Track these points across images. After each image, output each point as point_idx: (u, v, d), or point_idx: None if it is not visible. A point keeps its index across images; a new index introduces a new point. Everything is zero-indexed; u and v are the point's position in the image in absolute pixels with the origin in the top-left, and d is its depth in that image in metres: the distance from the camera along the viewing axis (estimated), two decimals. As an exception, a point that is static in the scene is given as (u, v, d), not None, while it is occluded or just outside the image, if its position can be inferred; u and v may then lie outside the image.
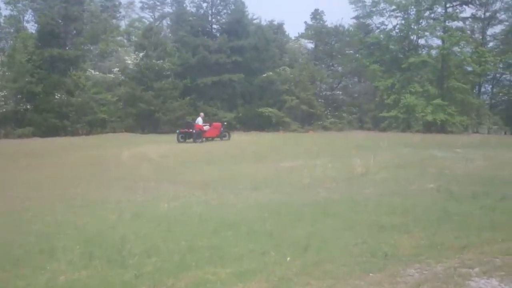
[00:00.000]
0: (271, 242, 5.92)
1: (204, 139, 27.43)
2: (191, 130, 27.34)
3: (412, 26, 45.41)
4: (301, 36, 53.14)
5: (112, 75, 41.11)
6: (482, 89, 51.85)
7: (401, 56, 46.20)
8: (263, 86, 43.67)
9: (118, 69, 41.13)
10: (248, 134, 35.91)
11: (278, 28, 48.93)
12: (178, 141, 26.98)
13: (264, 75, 43.03)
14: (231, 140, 28.19)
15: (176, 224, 7.13)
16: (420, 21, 45.96)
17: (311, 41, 52.50)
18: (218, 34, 45.03)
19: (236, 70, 42.35)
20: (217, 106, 41.49)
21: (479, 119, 48.07)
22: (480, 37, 49.46)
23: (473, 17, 48.34)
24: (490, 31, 50.64)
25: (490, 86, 51.82)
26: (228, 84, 42.19)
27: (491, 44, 50.72)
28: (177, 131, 28.11)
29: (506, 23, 48.46)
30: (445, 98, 42.52)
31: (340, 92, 49.15)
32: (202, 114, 29.55)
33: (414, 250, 5.51)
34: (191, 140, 26.75)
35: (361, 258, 5.29)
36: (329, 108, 46.91)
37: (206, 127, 28.05)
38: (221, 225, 6.90)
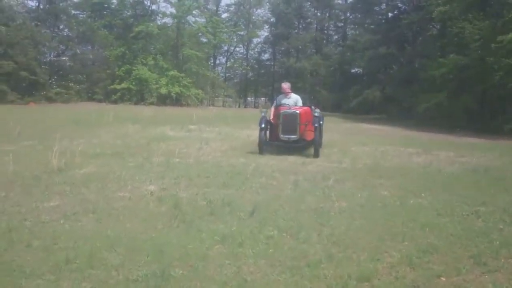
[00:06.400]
0: None
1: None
2: None
3: (145, -10, 42.44)
4: (19, -9, 45.27)
5: None
6: (217, 62, 52.17)
7: (136, 22, 42.89)
8: (-29, 48, 35.60)
9: None
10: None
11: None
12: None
13: (-28, 34, 35.09)
14: None
15: None
16: (153, -15, 43.23)
17: (32, -3, 45.27)
18: None
19: None
20: None
21: (214, 92, 48.07)
22: (215, 8, 49.25)
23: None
24: (223, 2, 51.04)
25: (225, 59, 52.47)
26: None
27: (224, 15, 51.12)
28: None
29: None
30: (180, 70, 40.92)
31: (67, 58, 43.43)
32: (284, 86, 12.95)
33: None
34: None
35: None
36: (55, 77, 41.09)
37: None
38: None
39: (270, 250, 4.81)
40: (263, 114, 12.04)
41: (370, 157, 11.71)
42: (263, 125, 11.56)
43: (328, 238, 5.16)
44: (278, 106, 12.15)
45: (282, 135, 11.59)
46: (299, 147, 11.72)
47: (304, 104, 12.49)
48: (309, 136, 11.62)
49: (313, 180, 8.34)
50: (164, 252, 4.63)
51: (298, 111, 11.59)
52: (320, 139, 11.69)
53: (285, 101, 12.35)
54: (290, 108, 11.76)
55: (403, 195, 7.35)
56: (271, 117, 12.16)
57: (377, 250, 4.85)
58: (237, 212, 6.10)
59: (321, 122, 12.13)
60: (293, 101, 12.33)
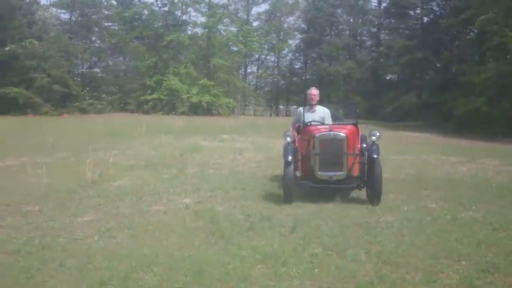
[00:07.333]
0: None
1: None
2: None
3: (175, 1, 42.63)
4: (53, 4, 46.12)
5: None
6: (248, 70, 52.20)
7: (167, 32, 43.22)
8: (5, 62, 36.25)
9: None
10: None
11: (27, -6, 41.32)
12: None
13: (6, 48, 35.76)
14: None
15: None
16: (184, -5, 43.54)
17: (65, 11, 45.92)
18: None
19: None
20: None
21: (245, 101, 48.06)
22: (245, 16, 49.34)
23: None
24: (254, 10, 51.11)
25: (256, 67, 52.47)
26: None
27: (255, 24, 51.15)
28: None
29: (269, 2, 49.09)
30: (210, 79, 41.02)
31: (99, 70, 44.02)
32: (313, 91, 8.75)
33: None
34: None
35: None
36: (87, 88, 41.65)
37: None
38: None
39: (316, 270, 4.48)
40: (288, 138, 7.77)
41: (412, 166, 11.24)
42: (290, 158, 7.32)
43: (378, 257, 4.80)
44: (305, 126, 8.04)
45: (320, 172, 7.30)
46: (346, 189, 7.74)
47: (335, 118, 8.52)
48: (356, 170, 7.60)
49: (354, 192, 7.95)
50: (203, 272, 4.36)
51: (343, 134, 7.29)
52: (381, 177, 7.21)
53: (308, 116, 8.28)
54: (331, 130, 7.37)
55: (453, 207, 6.92)
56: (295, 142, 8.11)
57: (432, 270, 4.47)
58: (277, 227, 5.79)
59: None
60: (318, 116, 8.34)
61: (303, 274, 4.35)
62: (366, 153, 7.61)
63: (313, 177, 7.39)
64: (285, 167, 7.34)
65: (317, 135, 7.35)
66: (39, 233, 5.62)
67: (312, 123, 8.05)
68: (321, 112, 8.44)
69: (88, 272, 4.39)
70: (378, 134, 7.57)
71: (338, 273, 4.40)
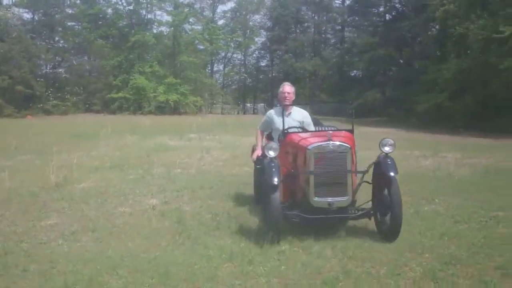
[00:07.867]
0: None
1: None
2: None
3: (141, 0, 42.22)
4: (15, 4, 44.93)
5: None
6: (215, 68, 52.08)
7: (132, 31, 42.72)
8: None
9: None
10: None
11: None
12: None
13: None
14: None
15: None
16: (149, -6, 43.15)
17: (27, 10, 44.82)
18: None
19: None
20: None
21: (212, 99, 47.94)
22: (211, 14, 49.23)
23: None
24: (220, 8, 51.08)
25: (222, 66, 52.40)
26: None
27: (221, 22, 51.07)
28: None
29: (235, 0, 49.22)
30: (177, 77, 40.76)
31: (63, 70, 43.17)
32: (286, 88, 6.59)
33: None
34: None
35: None
36: (51, 89, 40.82)
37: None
38: None
39: (283, 267, 4.50)
40: (272, 152, 5.44)
41: (377, 161, 11.41)
42: (276, 180, 5.16)
43: (343, 252, 4.86)
44: (285, 134, 6.06)
45: (316, 198, 5.30)
46: (349, 219, 5.71)
47: (315, 122, 6.76)
48: (356, 193, 5.66)
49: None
50: (170, 273, 4.33)
51: (347, 145, 5.34)
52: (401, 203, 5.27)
53: (281, 121, 6.21)
54: (329, 139, 5.31)
55: (416, 201, 7.06)
56: (257, 155, 6.59)
57: (396, 264, 4.55)
58: (244, 225, 5.80)
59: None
60: (295, 120, 6.47)
61: (269, 272, 4.37)
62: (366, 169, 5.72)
63: (306, 204, 5.41)
64: (269, 193, 5.18)
65: (309, 147, 5.36)
66: (1, 239, 5.50)
67: (290, 130, 6.15)
68: (299, 116, 6.56)
69: (51, 277, 4.32)
70: (392, 142, 5.55)
71: (304, 269, 4.43)
